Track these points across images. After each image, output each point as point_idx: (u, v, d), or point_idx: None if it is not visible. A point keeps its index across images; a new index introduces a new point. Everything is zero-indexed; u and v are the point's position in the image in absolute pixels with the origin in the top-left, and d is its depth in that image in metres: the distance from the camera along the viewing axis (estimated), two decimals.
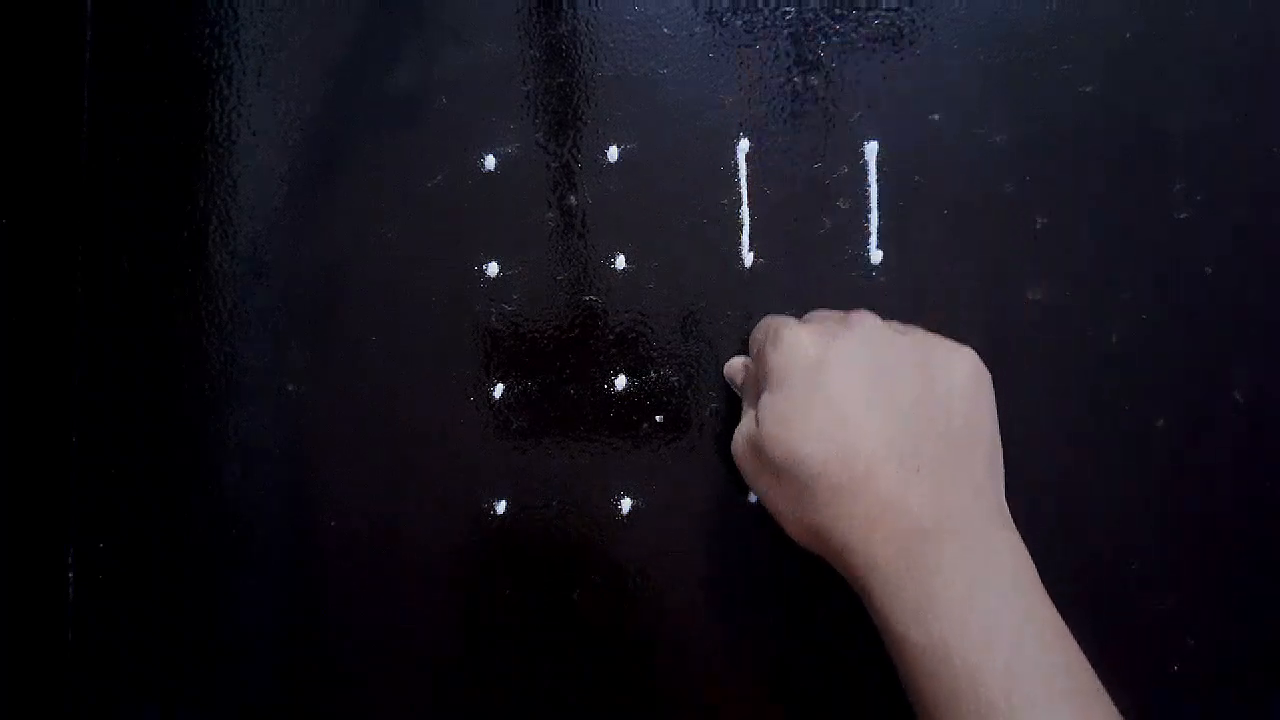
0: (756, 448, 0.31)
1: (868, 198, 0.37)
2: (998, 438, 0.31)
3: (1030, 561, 0.28)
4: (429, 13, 0.40)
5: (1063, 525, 0.36)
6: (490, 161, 0.39)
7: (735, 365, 0.37)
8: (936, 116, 0.37)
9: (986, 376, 0.31)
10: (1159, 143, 0.37)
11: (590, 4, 0.39)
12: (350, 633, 0.40)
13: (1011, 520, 0.29)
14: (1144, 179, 0.37)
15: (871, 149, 0.38)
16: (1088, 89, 0.37)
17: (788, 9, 0.38)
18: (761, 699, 0.38)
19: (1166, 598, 0.36)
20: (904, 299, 0.37)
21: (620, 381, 0.38)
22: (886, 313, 0.35)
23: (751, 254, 0.38)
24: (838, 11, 0.38)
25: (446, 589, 0.39)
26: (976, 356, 0.31)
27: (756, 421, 0.31)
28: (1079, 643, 0.27)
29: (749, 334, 0.37)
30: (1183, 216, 0.37)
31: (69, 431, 0.41)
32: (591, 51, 0.39)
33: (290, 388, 0.40)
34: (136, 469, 0.41)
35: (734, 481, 0.37)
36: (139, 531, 0.41)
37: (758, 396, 0.32)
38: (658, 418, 0.38)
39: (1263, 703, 0.36)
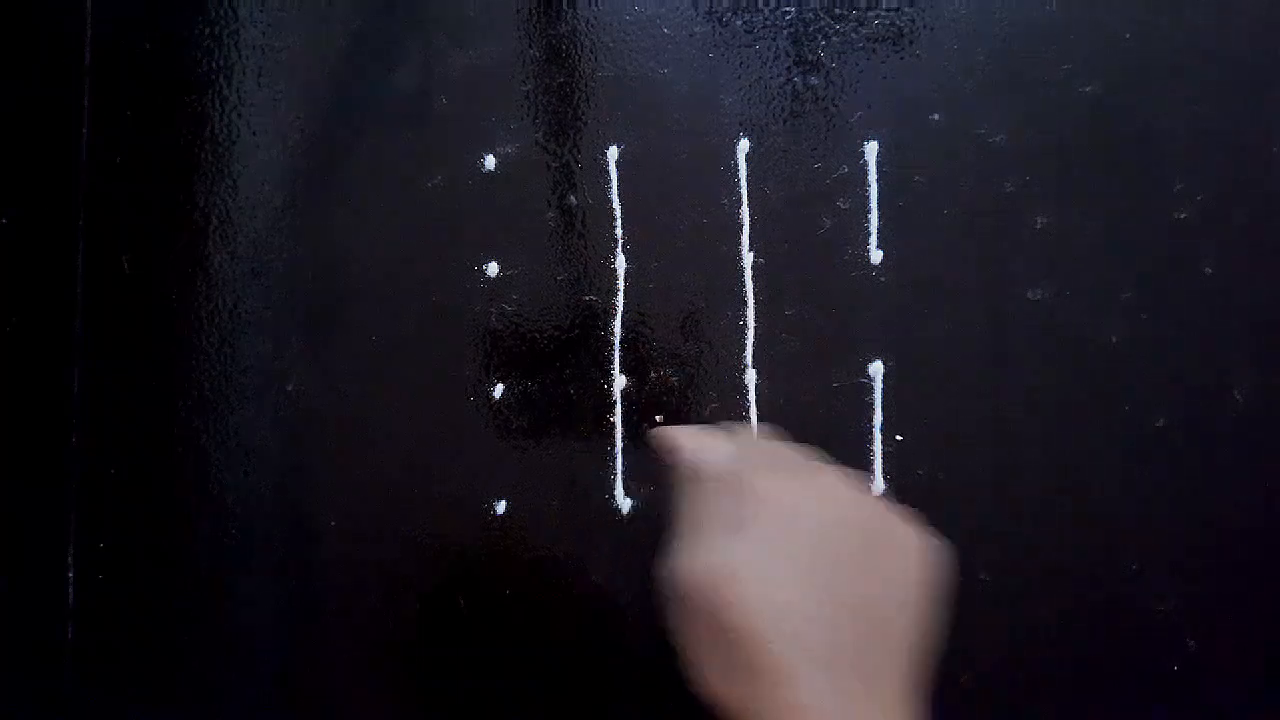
0: (702, 584, 0.27)
1: (868, 198, 0.37)
2: (928, 628, 0.27)
3: None
4: (429, 13, 0.40)
5: (1063, 525, 0.36)
6: (490, 161, 0.39)
7: (672, 435, 0.32)
8: (936, 116, 0.37)
9: (935, 565, 0.28)
10: (1159, 143, 0.37)
11: (590, 4, 0.39)
12: (350, 632, 0.39)
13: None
14: (1144, 179, 0.37)
15: (871, 149, 0.37)
16: (1088, 89, 0.37)
17: (788, 9, 0.38)
18: None
19: (1166, 598, 0.36)
20: (904, 299, 0.37)
21: (620, 381, 0.38)
22: (887, 312, 0.34)
23: (751, 254, 0.38)
24: (838, 11, 0.38)
25: (446, 589, 0.39)
26: (927, 542, 0.28)
27: (713, 554, 0.27)
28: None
29: (742, 419, 0.36)
30: (1183, 216, 0.37)
31: (69, 431, 0.41)
32: (591, 51, 0.39)
33: (290, 388, 0.40)
34: (136, 469, 0.41)
35: None
36: (139, 531, 0.41)
37: (701, 521, 0.28)
38: (658, 418, 0.38)
39: (1263, 703, 0.36)
